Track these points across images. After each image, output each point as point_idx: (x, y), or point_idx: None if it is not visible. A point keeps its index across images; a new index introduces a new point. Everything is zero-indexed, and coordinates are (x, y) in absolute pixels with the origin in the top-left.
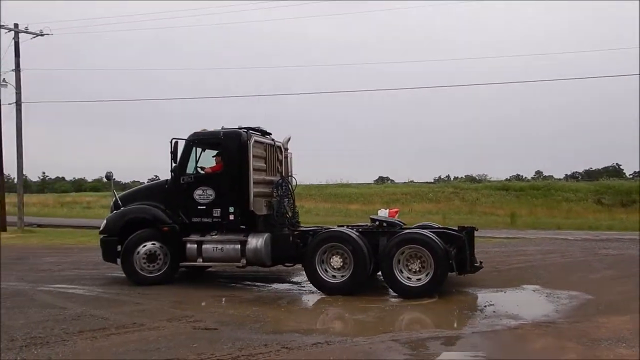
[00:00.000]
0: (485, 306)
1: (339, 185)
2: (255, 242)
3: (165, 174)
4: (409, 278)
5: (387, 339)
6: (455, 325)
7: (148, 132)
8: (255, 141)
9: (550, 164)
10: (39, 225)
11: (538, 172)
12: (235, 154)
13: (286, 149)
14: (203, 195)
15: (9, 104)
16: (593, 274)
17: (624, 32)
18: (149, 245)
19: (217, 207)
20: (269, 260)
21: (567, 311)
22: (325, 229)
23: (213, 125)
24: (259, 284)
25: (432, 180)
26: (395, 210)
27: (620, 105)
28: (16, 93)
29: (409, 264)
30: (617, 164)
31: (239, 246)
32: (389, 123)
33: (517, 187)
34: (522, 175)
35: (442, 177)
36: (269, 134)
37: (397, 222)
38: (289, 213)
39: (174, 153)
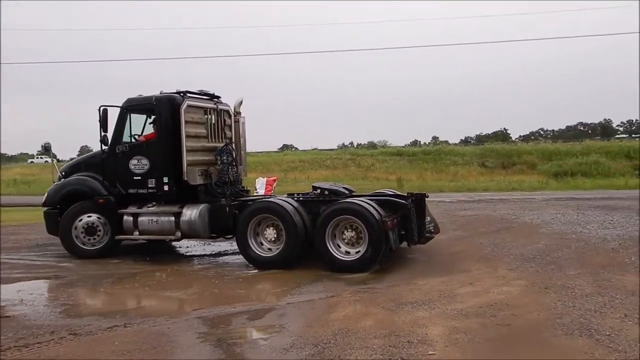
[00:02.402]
0: (325, 274)
1: None
2: (190, 213)
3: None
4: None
5: (193, 316)
6: (277, 297)
7: None
8: (190, 105)
9: (446, 131)
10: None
11: (434, 138)
12: (168, 120)
13: (238, 113)
14: (138, 165)
15: None
16: (439, 235)
17: None
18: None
19: (152, 178)
20: (205, 232)
21: (393, 274)
22: (258, 199)
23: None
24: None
25: (336, 148)
26: (274, 178)
27: (516, 72)
28: None
29: (345, 236)
30: (504, 128)
31: (173, 218)
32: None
33: (411, 152)
34: (420, 141)
35: (345, 144)
36: (217, 97)
37: (341, 189)
38: (231, 182)
39: (102, 121)
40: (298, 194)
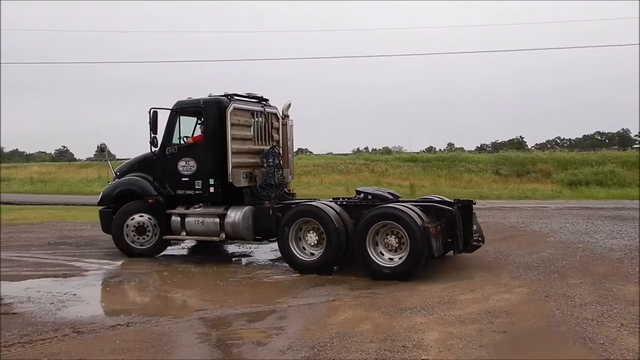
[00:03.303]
0: (329, 278)
1: None
2: (234, 215)
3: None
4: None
5: (195, 317)
6: (279, 299)
7: None
8: (236, 108)
9: (462, 137)
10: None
11: (450, 145)
12: (215, 123)
13: (286, 116)
14: (186, 166)
15: None
16: None
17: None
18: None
19: (199, 179)
20: (249, 234)
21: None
22: (301, 203)
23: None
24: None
25: (351, 152)
26: None
27: (531, 81)
28: None
29: (387, 242)
30: (520, 136)
31: (218, 220)
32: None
33: (425, 158)
34: (435, 148)
35: (360, 149)
36: (265, 100)
37: (386, 194)
38: (276, 185)
39: (152, 123)
40: (342, 198)
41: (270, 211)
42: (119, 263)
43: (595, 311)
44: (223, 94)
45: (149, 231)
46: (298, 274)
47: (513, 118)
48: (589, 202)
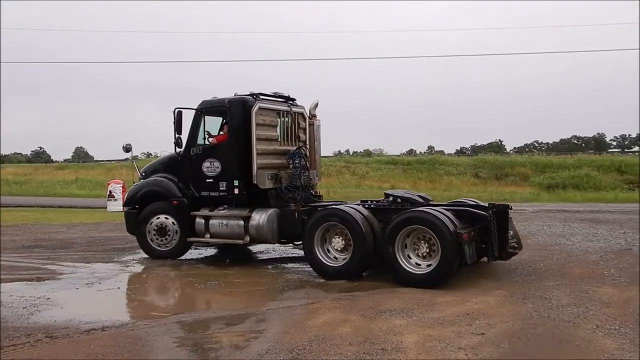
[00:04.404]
0: (309, 281)
1: None
2: (258, 218)
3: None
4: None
5: (173, 320)
6: (258, 302)
7: None
8: (262, 108)
9: (442, 141)
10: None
11: (430, 148)
12: (240, 123)
13: (313, 116)
14: (210, 167)
15: None
16: None
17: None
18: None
19: (223, 181)
20: (274, 238)
21: (376, 282)
22: (327, 206)
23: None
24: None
25: (332, 155)
26: (117, 181)
27: (514, 84)
28: None
29: (416, 247)
30: (499, 140)
31: (242, 222)
32: None
33: (405, 161)
34: (415, 150)
35: (341, 151)
36: (291, 99)
37: (416, 197)
38: (302, 187)
39: (177, 123)
40: (370, 201)
41: (296, 214)
42: (95, 266)
43: (572, 313)
44: (249, 93)
45: (169, 233)
46: (278, 277)
47: (493, 122)
48: (566, 205)
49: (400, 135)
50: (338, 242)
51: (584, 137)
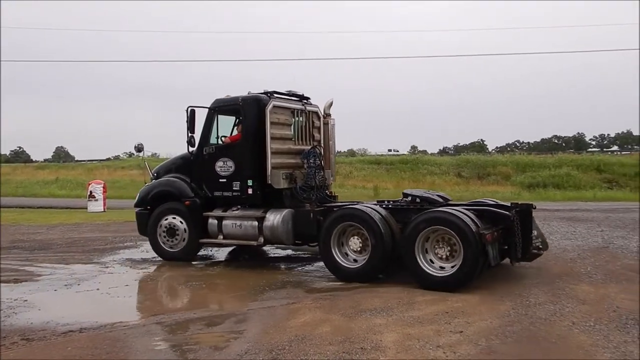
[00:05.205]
0: (290, 281)
1: None
2: (273, 218)
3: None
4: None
5: (152, 321)
6: (238, 303)
7: None
8: (276, 106)
9: (426, 141)
10: None
11: (413, 147)
12: (254, 121)
13: (327, 115)
14: (224, 167)
15: None
16: None
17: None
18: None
19: (237, 180)
20: (289, 239)
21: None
22: (344, 206)
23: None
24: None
25: None
26: (98, 181)
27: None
28: None
29: (437, 249)
30: (481, 139)
31: (256, 223)
32: None
33: (388, 161)
34: (399, 150)
35: None
36: (306, 98)
37: (436, 197)
38: (317, 187)
39: (189, 122)
40: (387, 201)
41: (311, 214)
42: (74, 267)
43: (548, 310)
44: (262, 91)
45: (178, 234)
46: (259, 277)
47: (476, 122)
48: (546, 203)
49: (384, 135)
50: (355, 243)
51: (564, 136)
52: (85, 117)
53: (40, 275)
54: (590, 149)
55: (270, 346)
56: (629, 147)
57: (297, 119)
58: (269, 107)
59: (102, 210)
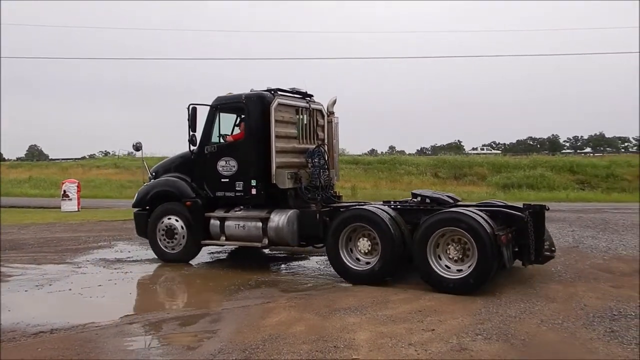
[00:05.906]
0: (264, 280)
1: None
2: (277, 219)
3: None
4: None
5: (125, 322)
6: (212, 303)
7: None
8: (280, 104)
9: (405, 141)
10: None
11: (391, 147)
12: (258, 119)
13: (331, 113)
14: (226, 166)
15: None
16: None
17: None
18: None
19: (240, 180)
20: (294, 240)
21: (332, 281)
22: (351, 206)
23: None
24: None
25: None
26: (72, 180)
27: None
28: None
29: (449, 250)
30: (458, 140)
31: (260, 224)
32: None
33: (367, 161)
34: (377, 150)
35: None
36: (309, 95)
37: (445, 197)
38: (322, 186)
39: (191, 120)
40: (395, 202)
41: (317, 215)
42: (46, 267)
43: (518, 308)
44: (266, 88)
45: (177, 235)
46: (234, 276)
47: (453, 123)
48: (520, 204)
49: (363, 135)
50: (364, 244)
51: (539, 138)
52: (60, 115)
53: (10, 275)
54: (564, 151)
55: (243, 345)
56: (601, 149)
57: (301, 117)
58: (274, 104)
59: (76, 209)
